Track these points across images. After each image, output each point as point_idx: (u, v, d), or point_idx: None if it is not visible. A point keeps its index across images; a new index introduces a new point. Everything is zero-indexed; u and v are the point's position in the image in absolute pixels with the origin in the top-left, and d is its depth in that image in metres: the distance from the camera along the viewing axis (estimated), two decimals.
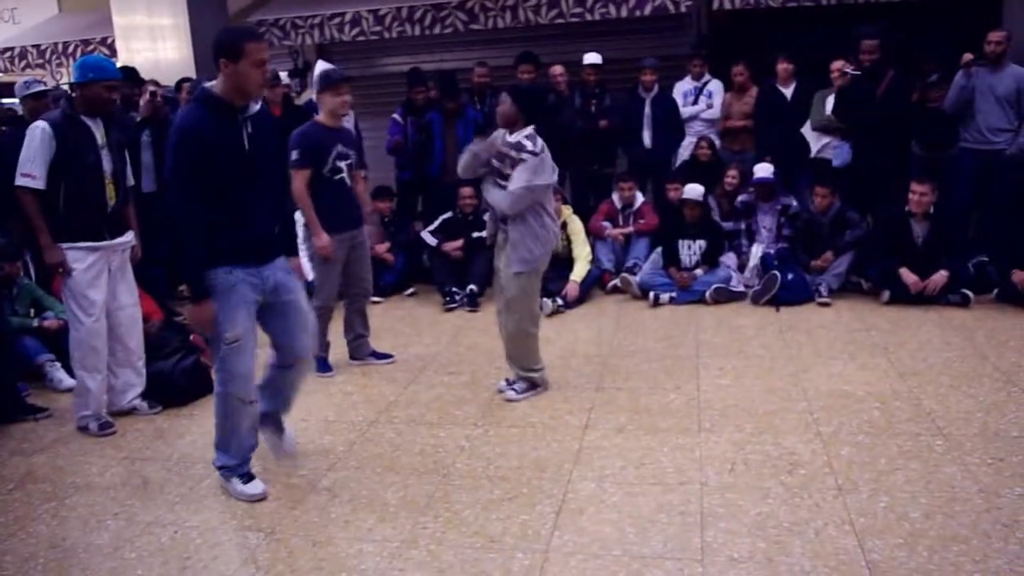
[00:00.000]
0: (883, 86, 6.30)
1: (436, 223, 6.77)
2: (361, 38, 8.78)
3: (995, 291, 5.78)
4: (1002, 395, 4.14)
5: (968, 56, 6.21)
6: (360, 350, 5.10)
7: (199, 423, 4.32)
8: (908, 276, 5.74)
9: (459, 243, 6.62)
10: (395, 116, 7.27)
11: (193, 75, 7.56)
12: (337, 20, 8.71)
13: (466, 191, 6.71)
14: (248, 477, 3.49)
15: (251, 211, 3.27)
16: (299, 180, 4.60)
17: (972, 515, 3.03)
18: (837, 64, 6.53)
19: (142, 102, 6.19)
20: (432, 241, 6.70)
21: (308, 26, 8.81)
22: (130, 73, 6.64)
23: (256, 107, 3.29)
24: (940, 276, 5.67)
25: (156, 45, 8.33)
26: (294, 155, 4.59)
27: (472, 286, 6.38)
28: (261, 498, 3.42)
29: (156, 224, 5.98)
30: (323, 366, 4.88)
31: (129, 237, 4.35)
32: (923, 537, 2.90)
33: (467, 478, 3.53)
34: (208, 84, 3.24)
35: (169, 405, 4.53)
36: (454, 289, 6.39)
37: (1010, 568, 2.70)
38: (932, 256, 5.76)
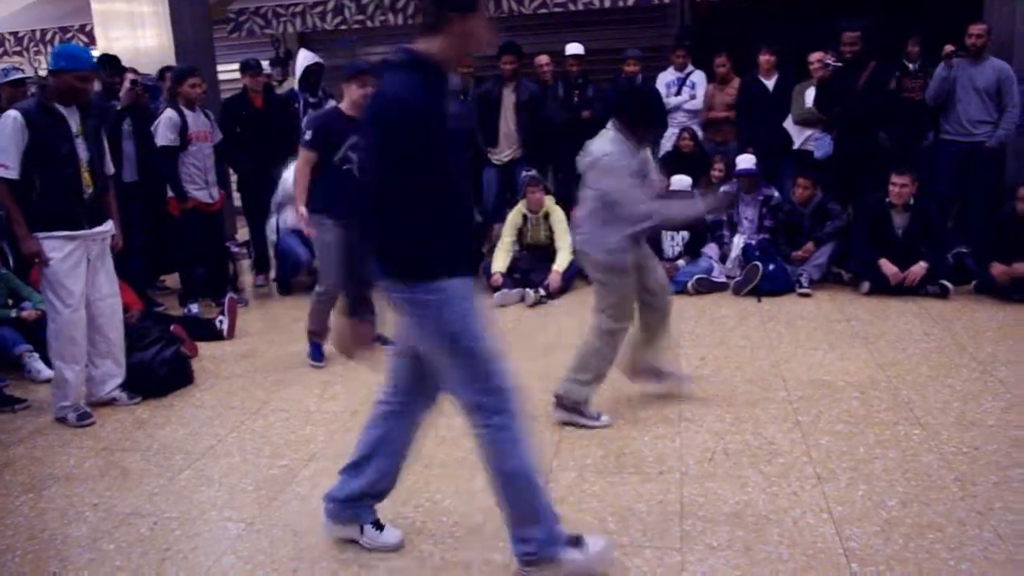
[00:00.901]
0: (864, 77, 6.33)
1: None
2: (343, 27, 8.74)
3: (974, 282, 5.84)
4: (979, 385, 4.19)
5: (949, 48, 6.26)
6: None
7: (179, 414, 4.30)
8: (888, 267, 5.78)
9: None
10: None
11: (173, 63, 7.49)
12: (319, 8, 8.67)
13: None
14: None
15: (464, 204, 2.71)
16: (303, 160, 4.65)
17: (948, 503, 3.06)
18: (815, 56, 6.56)
19: (122, 91, 6.13)
20: None
21: (289, 14, 8.77)
22: (110, 61, 6.56)
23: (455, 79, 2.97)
24: (919, 267, 5.72)
25: (135, 33, 8.24)
26: (307, 135, 4.66)
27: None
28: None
29: (136, 214, 6.00)
30: (317, 354, 4.86)
31: (109, 226, 4.31)
32: (900, 525, 2.93)
33: (449, 468, 3.53)
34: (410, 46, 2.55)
35: (149, 396, 4.51)
36: None
37: (984, 555, 2.74)
38: (912, 247, 5.80)
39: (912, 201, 5.83)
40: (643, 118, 3.79)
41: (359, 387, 4.52)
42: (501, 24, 8.63)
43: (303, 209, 4.68)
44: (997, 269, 5.60)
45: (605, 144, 3.70)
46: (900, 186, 5.79)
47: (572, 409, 3.89)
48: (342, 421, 4.08)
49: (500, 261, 6.27)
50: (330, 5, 8.61)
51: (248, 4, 8.96)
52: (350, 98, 4.66)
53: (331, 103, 6.67)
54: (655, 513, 3.09)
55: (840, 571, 2.69)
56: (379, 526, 2.95)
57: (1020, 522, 2.92)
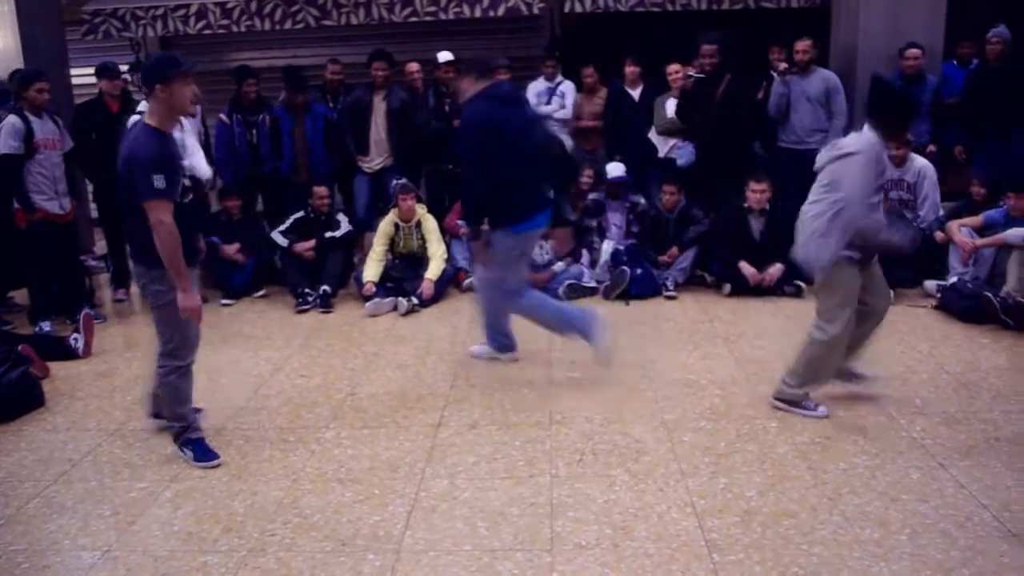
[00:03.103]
0: (721, 89, 6.62)
1: (287, 223, 6.59)
2: (208, 31, 8.45)
3: None
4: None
5: (783, 65, 6.73)
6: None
7: (28, 438, 4.04)
8: (747, 269, 6.05)
9: (311, 244, 6.47)
10: (221, 116, 7.00)
11: (21, 65, 7.05)
12: (182, 12, 8.35)
13: (321, 190, 6.58)
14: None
15: None
16: None
17: (801, 491, 3.23)
18: (673, 68, 6.84)
19: None
20: (283, 242, 6.52)
21: (150, 17, 8.40)
22: None
23: None
24: (776, 269, 6.01)
25: None
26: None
27: (325, 287, 6.25)
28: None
29: None
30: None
31: None
32: (757, 514, 3.07)
33: (317, 482, 3.46)
34: None
35: None
36: (306, 290, 6.25)
37: (834, 538, 2.90)
38: (769, 249, 6.09)
39: (768, 206, 6.13)
40: (902, 121, 3.83)
41: (226, 404, 4.36)
42: (371, 31, 8.57)
43: None
44: None
45: (862, 142, 3.68)
46: (759, 192, 6.09)
47: (792, 403, 3.97)
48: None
49: (372, 270, 6.20)
50: (193, 9, 8.31)
51: (104, 5, 8.53)
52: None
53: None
54: (526, 516, 3.12)
55: (702, 561, 2.79)
56: None
57: (865, 504, 3.11)
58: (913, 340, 5.03)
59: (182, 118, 4.94)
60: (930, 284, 5.85)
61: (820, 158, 3.88)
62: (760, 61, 7.15)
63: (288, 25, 8.28)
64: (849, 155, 3.68)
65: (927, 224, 6.04)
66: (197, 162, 5.71)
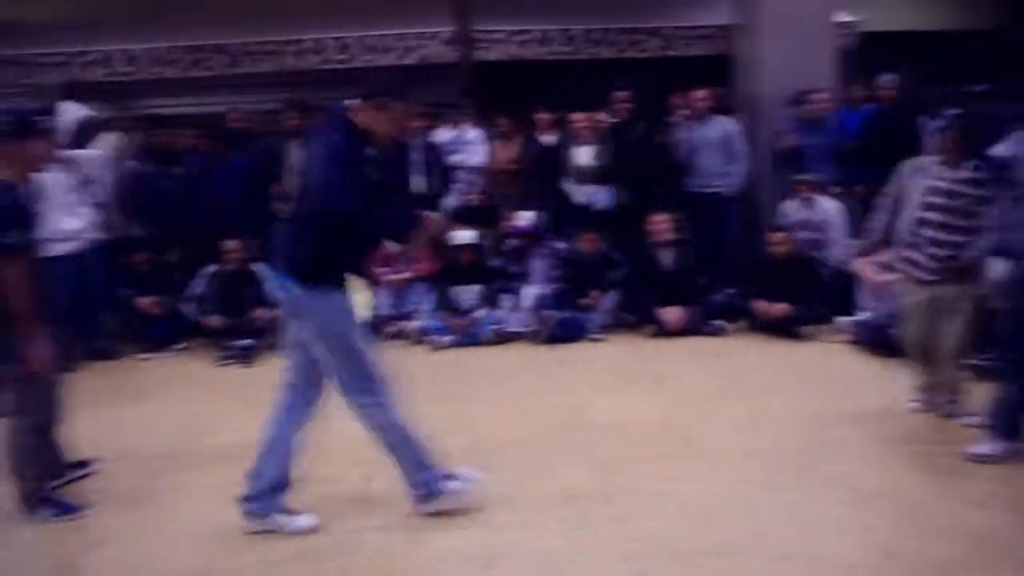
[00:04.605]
0: (636, 134, 6.81)
1: (202, 281, 6.37)
2: (112, 78, 8.25)
3: (745, 320, 6.33)
4: (754, 415, 4.51)
5: (685, 112, 7.04)
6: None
7: None
8: (667, 314, 6.18)
9: (218, 320, 6.26)
10: (132, 164, 6.78)
11: None
12: (85, 58, 8.14)
13: (231, 244, 6.36)
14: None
15: None
16: None
17: (731, 530, 3.25)
18: (578, 116, 7.02)
19: None
20: (194, 315, 6.33)
21: (53, 63, 8.16)
22: None
23: None
24: (677, 310, 6.17)
25: None
26: None
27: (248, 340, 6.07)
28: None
29: None
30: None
31: None
32: (693, 555, 3.07)
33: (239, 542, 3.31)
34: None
35: None
36: (227, 343, 6.07)
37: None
38: (681, 283, 6.25)
39: (675, 237, 6.36)
40: None
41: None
42: (284, 79, 8.52)
43: None
44: (759, 305, 6.12)
45: None
46: (659, 224, 6.30)
47: None
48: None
49: None
50: (95, 56, 8.11)
51: (6, 51, 8.25)
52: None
53: None
54: (460, 567, 3.06)
55: None
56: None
57: (793, 540, 3.17)
58: (831, 376, 5.17)
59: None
60: (843, 320, 6.03)
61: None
62: (670, 108, 7.38)
63: (196, 72, 8.17)
64: None
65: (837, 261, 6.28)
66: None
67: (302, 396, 3.36)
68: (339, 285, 3.26)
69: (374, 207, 3.18)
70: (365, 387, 3.25)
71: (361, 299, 6.18)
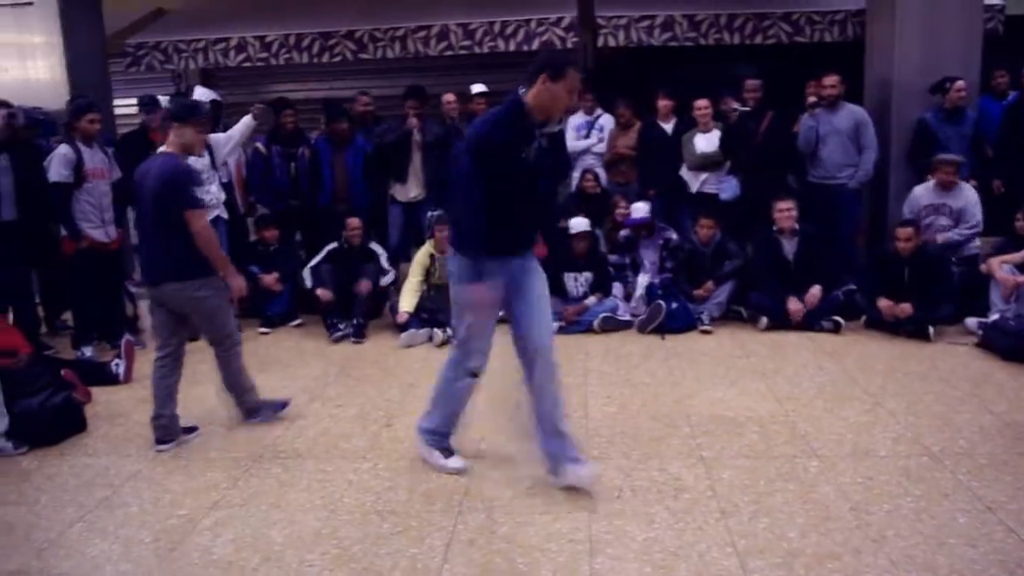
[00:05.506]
0: (765, 124, 6.64)
1: (321, 254, 6.64)
2: (247, 64, 8.62)
3: (863, 318, 6.12)
4: (870, 416, 4.37)
5: (812, 100, 6.71)
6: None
7: (70, 463, 4.09)
8: (793, 304, 6.02)
9: (329, 294, 6.45)
10: (257, 146, 7.04)
11: (66, 96, 7.22)
12: (222, 45, 8.54)
13: (353, 222, 6.62)
14: (449, 452, 3.83)
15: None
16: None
17: (844, 532, 3.17)
18: (700, 103, 6.86)
19: None
20: (308, 283, 6.56)
21: (191, 50, 8.60)
22: None
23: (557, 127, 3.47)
24: (816, 291, 6.01)
25: (26, 64, 7.94)
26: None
27: (358, 318, 6.28)
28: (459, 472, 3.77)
29: (16, 253, 5.72)
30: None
31: None
32: (800, 555, 3.02)
33: (355, 513, 3.46)
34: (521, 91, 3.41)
35: (37, 445, 4.27)
36: (335, 321, 6.29)
37: None
38: (804, 272, 6.10)
39: (798, 227, 6.16)
40: None
41: (264, 432, 4.39)
42: (408, 64, 8.70)
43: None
44: (883, 304, 5.88)
45: None
46: (785, 211, 6.11)
47: None
48: (245, 467, 3.96)
49: (407, 301, 6.24)
50: (233, 42, 8.49)
51: (148, 38, 8.75)
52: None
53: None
54: (565, 552, 3.10)
55: None
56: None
57: (911, 548, 3.04)
58: (954, 380, 4.95)
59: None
60: (971, 321, 5.76)
61: None
62: (795, 96, 7.14)
63: (326, 58, 8.43)
64: None
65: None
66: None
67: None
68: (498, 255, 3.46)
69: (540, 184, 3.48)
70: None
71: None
